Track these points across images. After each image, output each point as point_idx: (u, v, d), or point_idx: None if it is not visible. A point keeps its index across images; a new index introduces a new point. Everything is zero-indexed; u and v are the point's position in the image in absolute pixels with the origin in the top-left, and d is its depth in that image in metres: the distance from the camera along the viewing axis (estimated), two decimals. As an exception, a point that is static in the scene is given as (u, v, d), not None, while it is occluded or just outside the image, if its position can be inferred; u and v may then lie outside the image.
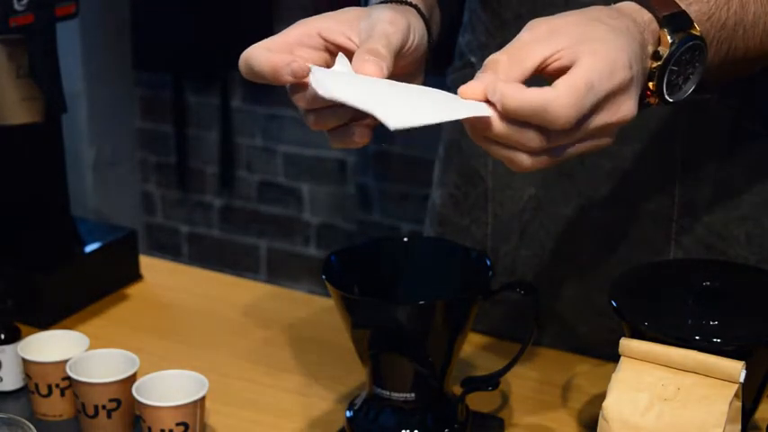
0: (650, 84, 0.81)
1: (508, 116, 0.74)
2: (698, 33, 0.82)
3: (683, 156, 1.05)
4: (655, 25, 0.81)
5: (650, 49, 0.80)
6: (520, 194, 1.12)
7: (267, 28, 2.78)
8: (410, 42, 0.86)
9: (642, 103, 0.81)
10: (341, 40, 0.85)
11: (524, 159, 0.77)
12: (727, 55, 0.87)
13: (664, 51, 0.80)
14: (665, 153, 1.05)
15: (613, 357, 0.87)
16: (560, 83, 0.74)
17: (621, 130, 0.84)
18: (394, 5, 0.88)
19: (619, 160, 1.06)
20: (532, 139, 0.75)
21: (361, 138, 0.84)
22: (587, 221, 1.10)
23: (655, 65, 0.80)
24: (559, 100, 0.73)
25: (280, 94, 2.89)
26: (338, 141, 0.85)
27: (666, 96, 0.81)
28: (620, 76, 0.76)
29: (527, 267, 1.14)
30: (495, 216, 1.14)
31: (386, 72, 0.81)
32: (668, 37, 0.80)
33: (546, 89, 0.74)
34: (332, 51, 0.86)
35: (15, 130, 1.19)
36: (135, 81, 3.05)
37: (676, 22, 0.81)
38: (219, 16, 2.79)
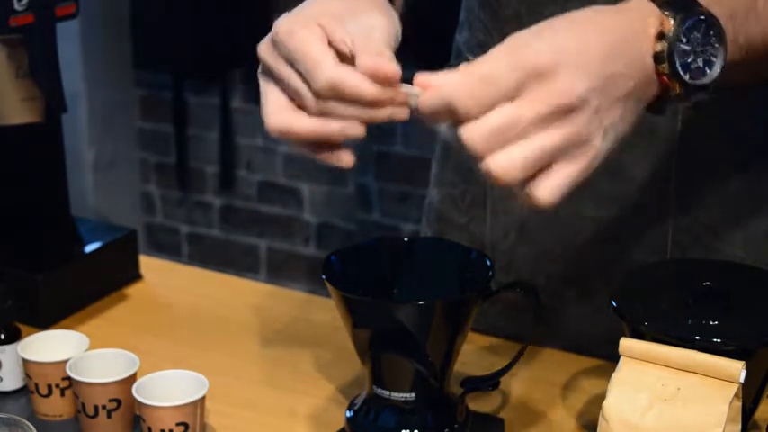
0: (660, 67, 0.78)
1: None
2: (704, 10, 0.79)
3: (680, 153, 1.05)
4: (657, 13, 0.79)
5: (652, 31, 0.78)
6: None
7: (266, 28, 2.78)
8: (396, 43, 0.85)
9: (666, 96, 0.79)
10: (341, 46, 0.82)
11: (500, 161, 0.75)
12: (745, 47, 0.84)
13: (668, 30, 0.78)
14: (663, 150, 1.05)
15: (611, 356, 0.87)
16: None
17: None
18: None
19: (616, 157, 1.06)
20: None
21: (348, 161, 0.83)
22: (585, 219, 1.10)
23: (660, 47, 0.78)
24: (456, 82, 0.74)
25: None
26: (326, 156, 0.83)
27: (689, 80, 0.79)
28: (528, 60, 0.74)
29: (524, 264, 1.14)
30: (493, 214, 1.14)
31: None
32: (669, 18, 0.78)
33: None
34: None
35: (15, 130, 1.19)
36: (135, 81, 3.05)
37: (678, 3, 0.79)
38: (219, 16, 2.79)
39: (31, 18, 1.15)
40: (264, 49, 0.85)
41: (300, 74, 0.81)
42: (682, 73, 0.78)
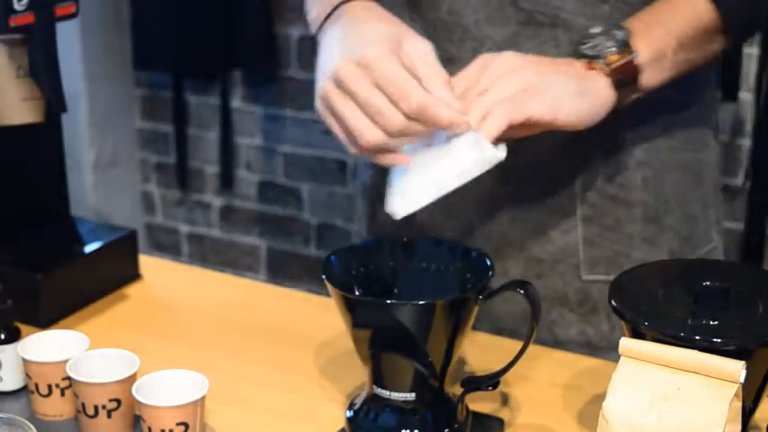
0: (583, 61, 1.01)
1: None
2: (594, 31, 1.03)
3: None
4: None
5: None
6: None
7: (267, 28, 2.78)
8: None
9: (615, 79, 1.00)
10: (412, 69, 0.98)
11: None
12: (673, 35, 1.03)
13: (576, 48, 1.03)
14: None
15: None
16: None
17: None
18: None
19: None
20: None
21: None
22: (499, 195, 1.14)
23: (577, 54, 1.02)
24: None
25: (280, 94, 2.91)
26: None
27: (605, 58, 1.01)
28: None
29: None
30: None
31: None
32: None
33: None
34: None
35: (15, 130, 1.19)
36: (135, 81, 3.05)
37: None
38: (219, 16, 2.79)
39: (31, 18, 1.15)
40: (329, 87, 0.98)
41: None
42: (598, 56, 1.01)
